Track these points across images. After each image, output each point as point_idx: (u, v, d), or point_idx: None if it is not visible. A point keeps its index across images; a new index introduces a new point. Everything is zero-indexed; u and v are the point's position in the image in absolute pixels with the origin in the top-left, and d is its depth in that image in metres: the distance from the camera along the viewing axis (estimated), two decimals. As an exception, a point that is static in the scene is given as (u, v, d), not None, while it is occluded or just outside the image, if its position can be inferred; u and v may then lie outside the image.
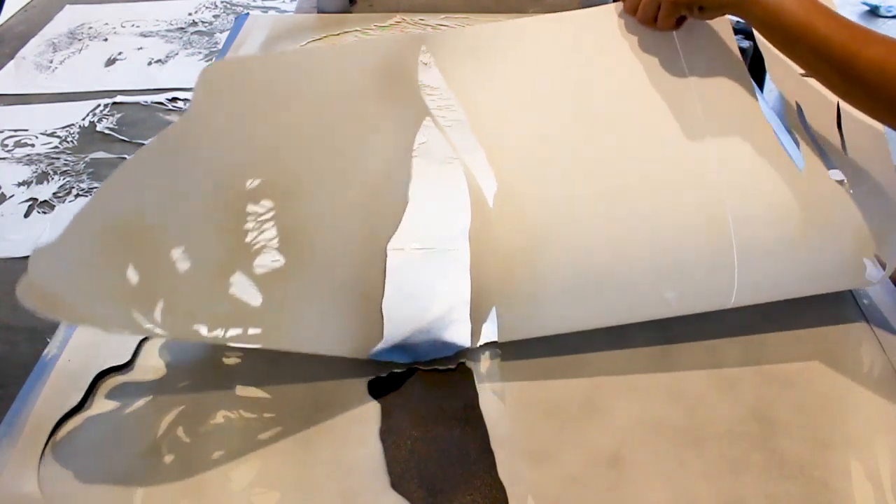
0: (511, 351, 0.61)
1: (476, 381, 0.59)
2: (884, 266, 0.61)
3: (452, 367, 0.60)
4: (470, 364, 0.60)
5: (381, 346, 0.59)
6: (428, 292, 0.62)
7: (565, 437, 0.55)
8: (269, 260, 0.55)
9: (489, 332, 0.60)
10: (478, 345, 0.61)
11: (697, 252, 0.59)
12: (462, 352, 0.61)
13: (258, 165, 0.55)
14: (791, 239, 0.60)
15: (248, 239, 0.55)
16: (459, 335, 0.60)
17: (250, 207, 0.55)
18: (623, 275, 0.59)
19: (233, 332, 0.55)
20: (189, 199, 0.54)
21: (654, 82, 0.64)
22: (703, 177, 0.61)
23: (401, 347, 0.60)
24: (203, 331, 0.54)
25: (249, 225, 0.55)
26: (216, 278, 0.54)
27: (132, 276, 0.52)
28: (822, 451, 0.53)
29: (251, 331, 0.55)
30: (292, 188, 0.56)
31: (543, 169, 0.61)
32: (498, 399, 0.58)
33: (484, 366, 0.60)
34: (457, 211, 0.61)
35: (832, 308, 0.64)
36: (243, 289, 0.54)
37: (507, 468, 0.53)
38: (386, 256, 0.59)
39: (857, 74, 0.53)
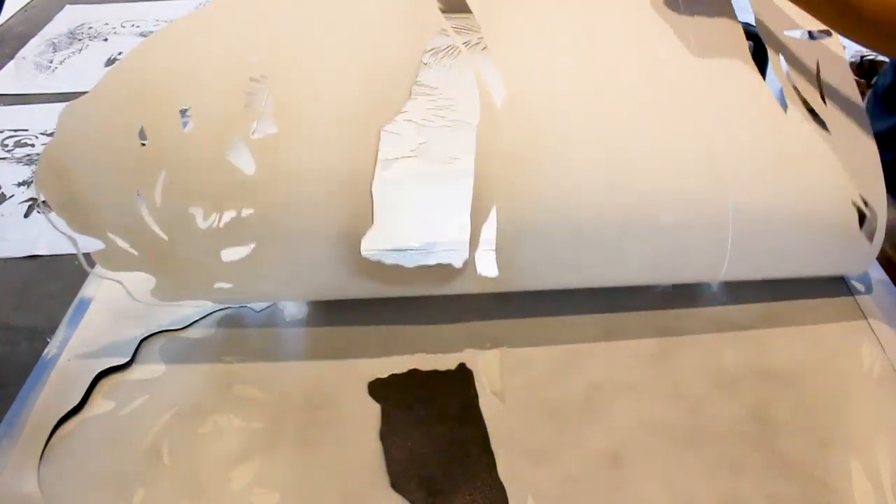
0: (511, 351, 0.61)
1: (476, 381, 0.59)
2: (872, 219, 0.62)
3: (452, 367, 0.60)
4: (470, 364, 0.60)
5: (373, 238, 0.58)
6: (423, 180, 0.63)
7: (565, 437, 0.55)
8: (264, 126, 0.57)
9: (488, 264, 0.60)
10: (474, 260, 0.59)
11: (692, 173, 0.60)
12: (462, 352, 0.61)
13: (266, 37, 0.58)
14: (778, 171, 0.61)
15: (246, 103, 0.56)
16: (456, 233, 0.60)
17: (252, 74, 0.57)
18: (621, 185, 0.59)
19: (228, 214, 0.56)
20: (203, 71, 0.56)
21: (656, 18, 0.67)
22: (697, 105, 0.62)
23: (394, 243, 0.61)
24: (199, 216, 0.55)
25: (249, 90, 0.57)
26: (216, 141, 0.55)
27: (143, 136, 0.55)
28: (822, 451, 0.53)
29: (245, 211, 0.56)
30: (292, 61, 0.58)
31: (552, 84, 0.62)
32: (498, 399, 0.58)
33: (484, 366, 0.60)
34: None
35: (832, 308, 0.64)
36: (238, 154, 0.56)
37: (507, 468, 0.53)
38: (378, 138, 0.57)
39: (855, 6, 0.56)
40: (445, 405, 0.57)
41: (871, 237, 0.63)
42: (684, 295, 0.66)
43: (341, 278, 0.60)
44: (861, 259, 0.65)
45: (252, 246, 0.58)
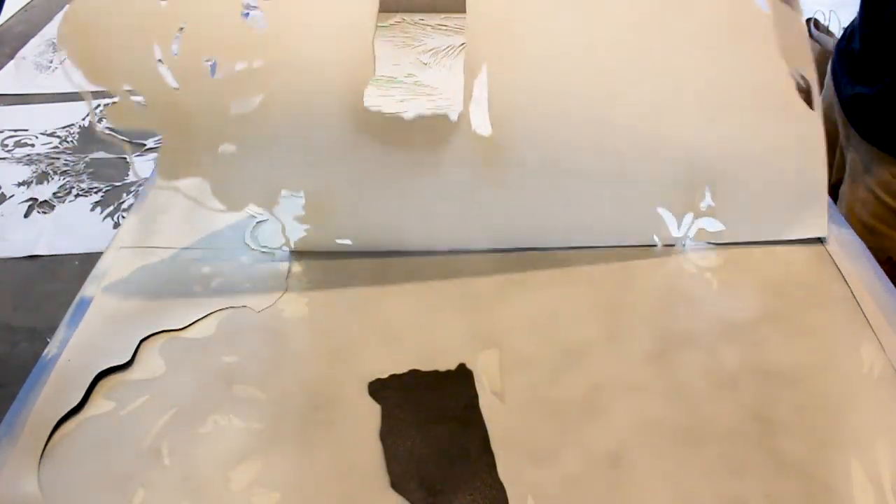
0: (511, 351, 0.61)
1: (476, 381, 0.59)
2: (808, 88, 0.65)
3: (452, 367, 0.60)
4: (470, 364, 0.60)
5: (374, 89, 0.63)
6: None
7: (565, 437, 0.55)
8: None
9: (481, 119, 0.63)
10: (469, 117, 0.63)
11: (649, 43, 0.65)
12: (462, 352, 0.61)
13: None
14: (720, 41, 0.65)
15: None
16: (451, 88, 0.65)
17: None
18: (599, 47, 0.64)
19: (240, 65, 0.60)
20: None
21: None
22: None
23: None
24: (212, 66, 0.60)
25: None
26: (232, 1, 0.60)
27: None
28: (822, 451, 0.53)
29: (256, 63, 0.60)
30: None
31: None
32: (498, 399, 0.58)
33: (484, 366, 0.60)
34: None
35: (832, 308, 0.65)
36: (252, 12, 0.61)
37: (507, 468, 0.53)
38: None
39: None
40: (445, 405, 0.57)
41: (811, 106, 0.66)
42: (684, 294, 0.66)
43: (344, 138, 0.62)
44: (807, 128, 0.67)
45: (260, 97, 0.60)
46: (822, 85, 0.96)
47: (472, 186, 0.67)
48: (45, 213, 0.93)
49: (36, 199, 0.95)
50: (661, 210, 0.69)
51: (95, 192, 1.04)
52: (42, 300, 0.72)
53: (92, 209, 0.94)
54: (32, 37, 1.32)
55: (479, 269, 0.69)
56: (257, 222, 0.74)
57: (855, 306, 0.65)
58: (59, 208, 0.93)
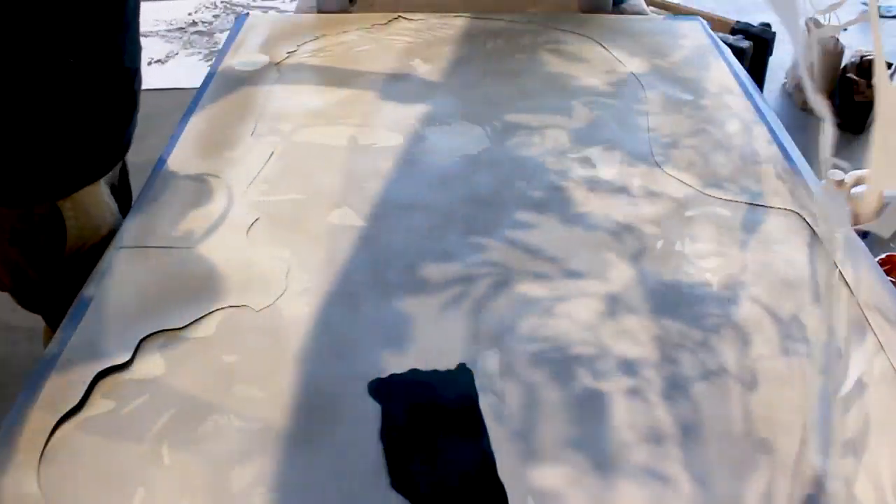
0: (511, 350, 0.61)
1: (476, 381, 0.59)
2: None
3: (452, 367, 0.60)
4: (470, 364, 0.60)
5: None
6: None
7: (565, 437, 0.55)
8: None
9: None
10: None
11: None
12: (462, 352, 0.61)
13: None
14: None
15: None
16: None
17: None
18: None
19: None
20: None
21: None
22: None
23: None
24: None
25: None
26: None
27: None
28: (821, 451, 0.53)
29: None
30: None
31: None
32: (498, 399, 0.58)
33: (484, 366, 0.60)
34: None
35: (832, 308, 0.65)
36: None
37: (507, 468, 0.53)
38: None
39: None
40: (445, 405, 0.57)
41: None
42: (684, 294, 0.66)
43: None
44: None
45: None
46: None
47: None
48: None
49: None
50: None
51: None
52: (42, 300, 0.72)
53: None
54: (32, 37, 1.32)
55: (480, 270, 0.69)
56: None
57: (855, 305, 0.65)
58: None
